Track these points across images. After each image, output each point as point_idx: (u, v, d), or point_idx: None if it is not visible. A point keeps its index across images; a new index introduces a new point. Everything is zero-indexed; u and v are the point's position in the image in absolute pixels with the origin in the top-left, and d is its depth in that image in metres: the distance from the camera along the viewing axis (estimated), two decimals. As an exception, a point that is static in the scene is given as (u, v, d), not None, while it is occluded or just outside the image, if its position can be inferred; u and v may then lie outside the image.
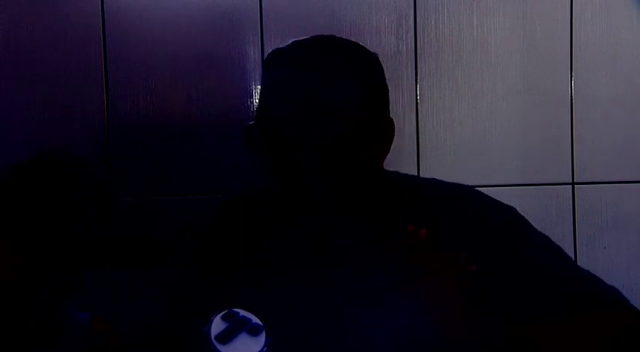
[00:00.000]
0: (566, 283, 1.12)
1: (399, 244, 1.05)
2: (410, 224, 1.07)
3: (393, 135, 1.19)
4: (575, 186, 1.77)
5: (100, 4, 1.67)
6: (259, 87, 1.70)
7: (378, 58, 1.21)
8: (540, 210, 1.75)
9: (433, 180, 1.29)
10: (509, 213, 1.22)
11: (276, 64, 1.18)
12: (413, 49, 1.74)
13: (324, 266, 1.18)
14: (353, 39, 1.24)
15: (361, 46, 1.22)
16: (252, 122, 1.18)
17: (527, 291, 1.11)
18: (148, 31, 1.68)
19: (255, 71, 1.70)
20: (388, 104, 1.21)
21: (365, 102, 1.15)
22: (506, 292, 1.11)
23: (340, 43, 1.21)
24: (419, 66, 1.74)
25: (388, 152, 1.19)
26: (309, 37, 1.20)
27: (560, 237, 1.76)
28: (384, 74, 1.21)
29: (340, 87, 1.13)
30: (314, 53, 1.16)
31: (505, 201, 1.23)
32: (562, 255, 1.19)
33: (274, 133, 1.13)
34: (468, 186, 1.26)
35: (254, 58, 1.70)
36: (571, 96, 1.77)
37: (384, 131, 1.18)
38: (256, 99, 1.70)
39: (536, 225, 1.22)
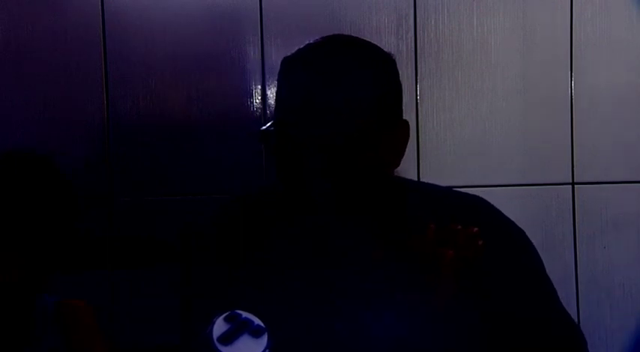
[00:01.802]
0: (539, 320, 1.17)
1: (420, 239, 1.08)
2: (414, 225, 1.09)
3: (407, 138, 1.18)
4: (575, 186, 1.77)
5: (100, 4, 1.67)
6: (259, 87, 1.70)
7: (391, 59, 1.20)
8: (540, 210, 1.75)
9: (439, 186, 1.30)
10: (519, 232, 1.25)
11: (284, 67, 1.18)
12: (413, 49, 1.74)
13: (324, 266, 1.18)
14: (353, 39, 1.24)
15: (375, 46, 1.21)
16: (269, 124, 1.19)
17: (508, 306, 1.15)
18: (148, 31, 1.68)
19: (255, 71, 1.70)
20: (402, 105, 1.21)
21: (374, 102, 1.14)
22: (496, 295, 1.14)
23: (351, 43, 1.20)
24: (419, 66, 1.74)
25: (402, 154, 1.18)
26: (325, 37, 1.20)
27: (560, 237, 1.76)
28: (397, 75, 1.20)
29: (345, 87, 1.12)
30: (320, 55, 1.16)
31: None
32: (549, 292, 1.23)
33: (281, 133, 1.13)
34: (481, 198, 1.27)
35: (254, 58, 1.70)
36: (571, 96, 1.77)
37: (396, 132, 1.17)
38: (256, 99, 1.70)
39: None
